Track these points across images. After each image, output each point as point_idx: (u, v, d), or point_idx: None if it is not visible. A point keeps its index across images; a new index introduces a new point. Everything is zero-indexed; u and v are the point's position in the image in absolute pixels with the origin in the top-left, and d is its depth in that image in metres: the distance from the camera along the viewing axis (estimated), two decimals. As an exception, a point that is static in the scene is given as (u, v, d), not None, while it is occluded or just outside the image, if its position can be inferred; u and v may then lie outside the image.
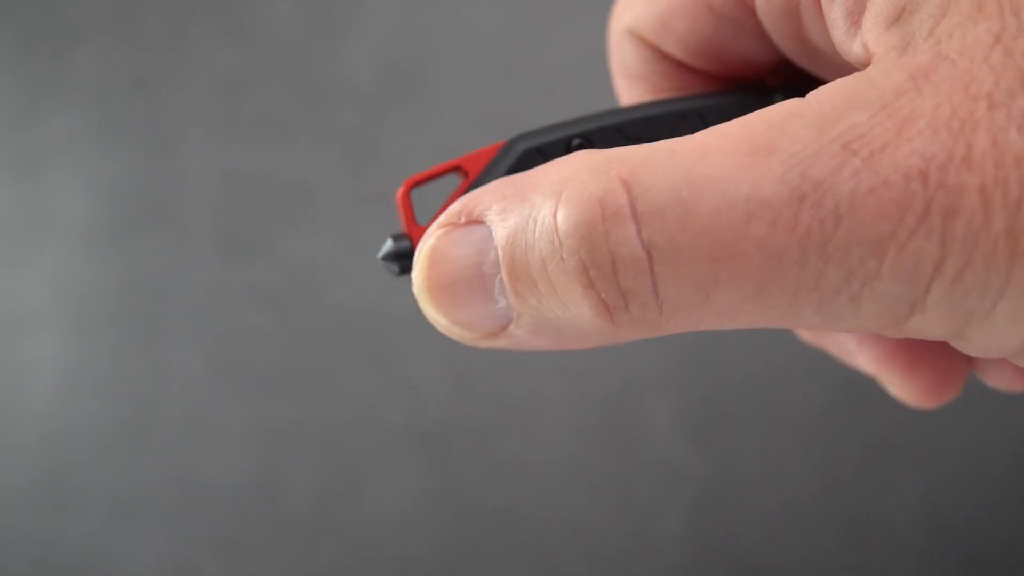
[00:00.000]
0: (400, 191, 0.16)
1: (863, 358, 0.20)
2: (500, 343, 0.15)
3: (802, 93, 0.17)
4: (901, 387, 0.19)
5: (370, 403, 0.45)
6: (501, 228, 0.14)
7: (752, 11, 0.17)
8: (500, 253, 0.14)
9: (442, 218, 0.15)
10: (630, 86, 0.19)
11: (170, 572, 0.45)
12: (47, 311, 0.47)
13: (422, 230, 0.16)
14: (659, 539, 0.44)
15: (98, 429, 0.46)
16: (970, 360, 0.19)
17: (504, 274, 0.14)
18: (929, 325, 0.12)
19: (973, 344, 0.13)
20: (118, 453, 0.45)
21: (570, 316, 0.14)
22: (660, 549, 0.44)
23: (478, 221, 0.14)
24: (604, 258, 0.13)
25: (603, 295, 0.13)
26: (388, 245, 0.16)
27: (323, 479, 0.45)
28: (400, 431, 0.45)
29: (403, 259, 0.16)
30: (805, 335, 0.21)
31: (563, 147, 0.16)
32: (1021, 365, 0.13)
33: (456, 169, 0.16)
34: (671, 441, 0.44)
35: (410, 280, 0.15)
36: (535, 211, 0.13)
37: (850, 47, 0.14)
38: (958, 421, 0.43)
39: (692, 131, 0.15)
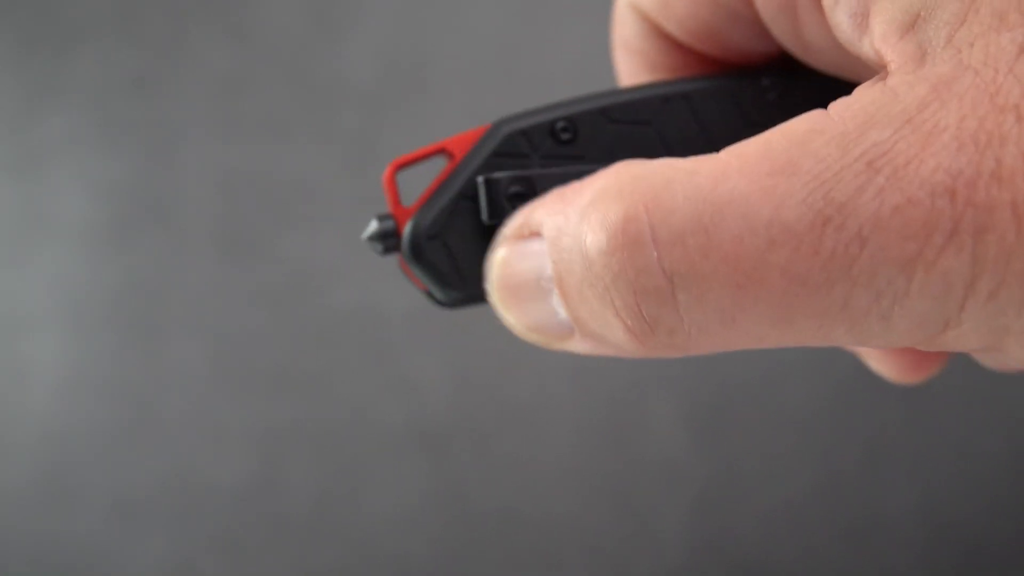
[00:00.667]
0: (386, 173, 0.17)
1: None
2: (570, 348, 0.15)
3: (789, 78, 0.17)
4: (882, 363, 0.19)
5: (370, 403, 0.45)
6: (551, 244, 0.14)
7: (751, 2, 0.16)
8: (551, 269, 0.14)
9: (508, 228, 0.15)
10: (628, 59, 0.19)
11: (170, 572, 0.45)
12: (47, 311, 0.47)
13: (406, 211, 0.16)
14: (660, 538, 0.44)
15: (98, 429, 0.46)
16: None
17: (556, 289, 0.14)
18: (964, 340, 0.12)
19: (1009, 357, 0.12)
20: (118, 453, 0.45)
21: (610, 335, 0.14)
22: (661, 548, 0.44)
23: (536, 234, 0.14)
24: (626, 287, 0.13)
25: (628, 322, 0.13)
26: (373, 226, 0.17)
27: (323, 479, 0.45)
28: (400, 431, 0.45)
29: (387, 239, 0.17)
30: None
31: (547, 130, 0.16)
32: None
33: (441, 151, 0.16)
34: (672, 441, 0.44)
35: (395, 260, 0.15)
36: (572, 231, 0.13)
37: (859, 48, 0.14)
38: (956, 422, 0.43)
39: (677, 114, 0.15)
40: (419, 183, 0.18)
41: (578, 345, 0.15)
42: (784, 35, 0.17)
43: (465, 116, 0.47)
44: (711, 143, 0.16)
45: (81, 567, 0.45)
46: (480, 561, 0.44)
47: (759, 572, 0.43)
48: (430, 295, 0.17)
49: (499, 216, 0.16)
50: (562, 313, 0.14)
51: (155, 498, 0.45)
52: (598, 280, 0.13)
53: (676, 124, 0.16)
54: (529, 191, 0.16)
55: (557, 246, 0.14)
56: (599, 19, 0.47)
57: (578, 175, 0.15)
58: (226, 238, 0.47)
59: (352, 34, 0.48)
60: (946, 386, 0.43)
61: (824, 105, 0.13)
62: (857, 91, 0.12)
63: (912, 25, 0.12)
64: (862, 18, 0.13)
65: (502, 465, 0.44)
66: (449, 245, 0.16)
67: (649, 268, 0.12)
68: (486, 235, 0.16)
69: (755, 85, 0.17)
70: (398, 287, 0.45)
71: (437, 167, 0.17)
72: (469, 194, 0.16)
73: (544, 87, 0.46)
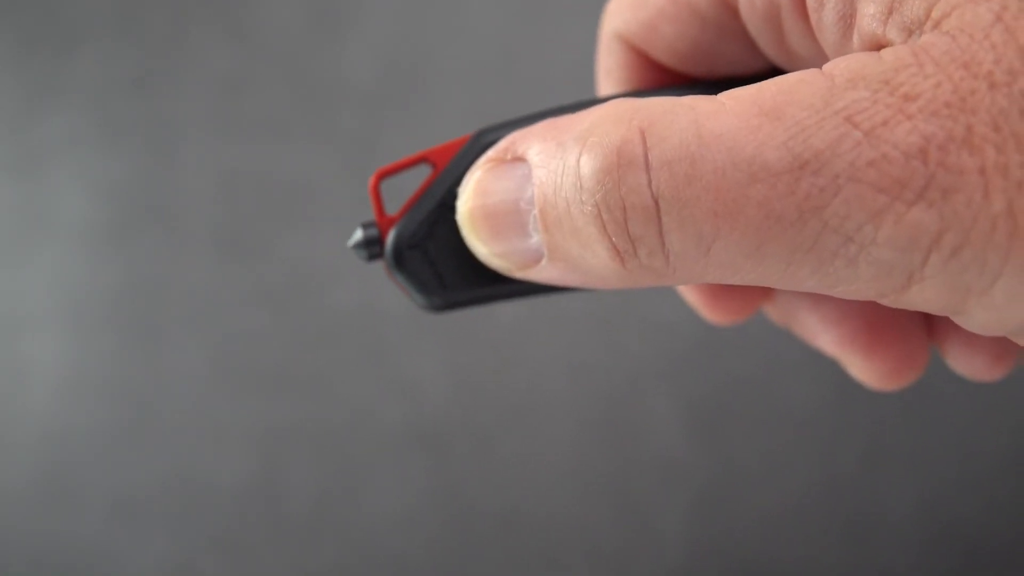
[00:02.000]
0: (371, 181, 0.17)
1: (826, 339, 0.20)
2: (533, 275, 0.16)
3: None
4: (861, 369, 0.20)
5: (370, 403, 0.45)
6: (538, 168, 0.15)
7: (737, 15, 0.17)
8: (535, 191, 0.15)
9: (490, 152, 0.16)
10: (614, 88, 0.19)
11: (170, 572, 0.45)
12: (47, 311, 0.47)
13: (390, 219, 0.17)
14: (659, 538, 0.44)
15: (98, 429, 0.46)
16: (941, 347, 0.20)
17: (536, 212, 0.15)
18: (926, 297, 0.13)
19: (972, 320, 0.13)
20: (118, 453, 0.46)
21: (589, 257, 0.14)
22: (660, 548, 0.44)
23: (521, 159, 0.15)
24: (616, 204, 0.13)
25: (614, 239, 0.14)
26: (358, 234, 0.17)
27: (323, 479, 0.45)
28: (400, 431, 0.45)
29: (372, 247, 0.17)
30: (775, 315, 0.21)
31: None
32: (1021, 343, 0.13)
33: (424, 160, 0.17)
34: (671, 440, 0.44)
35: (380, 267, 0.16)
36: (565, 155, 0.14)
37: (849, 50, 0.14)
38: (957, 421, 0.43)
39: None
40: (406, 188, 0.18)
41: (543, 272, 0.15)
42: (770, 46, 0.17)
43: (465, 116, 0.47)
44: None
45: (81, 567, 0.45)
46: (480, 561, 0.44)
47: (759, 571, 0.43)
48: (414, 299, 0.18)
49: None
50: (535, 238, 0.15)
51: (155, 498, 0.45)
52: (589, 197, 0.13)
53: None
54: None
55: (546, 168, 0.14)
56: (599, 19, 0.47)
57: None
58: (226, 238, 0.47)
59: (352, 34, 0.48)
60: (946, 385, 0.43)
61: None
62: (851, 54, 0.13)
63: (890, 10, 0.13)
64: (849, 19, 0.14)
65: (502, 465, 0.44)
66: (430, 254, 0.17)
67: (639, 188, 0.13)
68: (465, 244, 0.17)
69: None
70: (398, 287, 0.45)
71: (423, 174, 0.17)
72: (450, 204, 0.17)
73: (544, 87, 0.46)
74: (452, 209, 0.17)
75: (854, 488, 0.43)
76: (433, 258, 0.17)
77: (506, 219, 0.15)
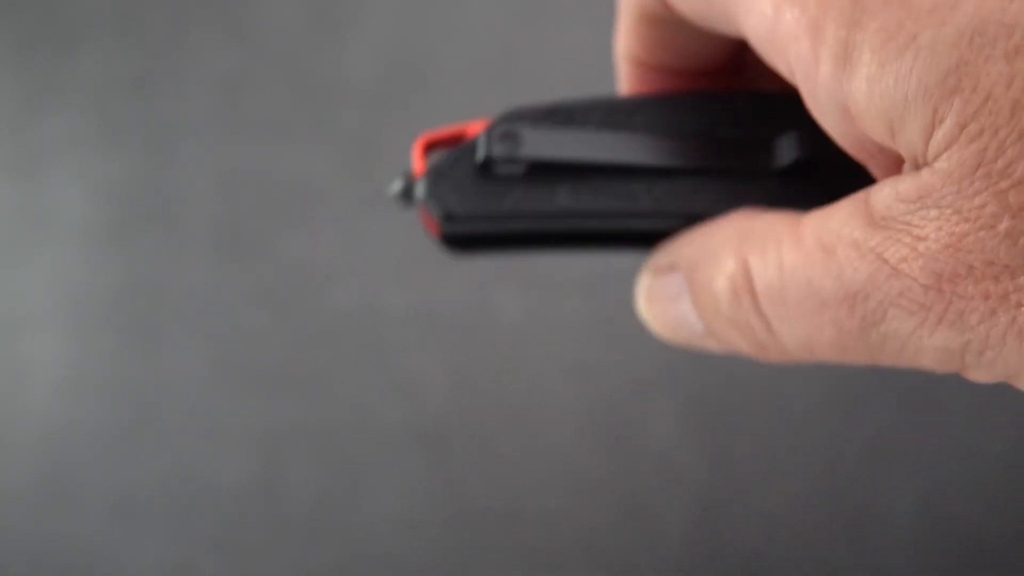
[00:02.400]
0: (417, 145, 0.21)
1: None
2: (705, 346, 0.21)
3: (758, 96, 0.20)
4: None
5: (370, 403, 0.45)
6: (688, 275, 0.19)
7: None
8: (691, 298, 0.20)
9: (652, 263, 0.21)
10: (630, 10, 0.21)
11: (170, 572, 0.45)
12: (47, 311, 0.47)
13: (424, 171, 0.21)
14: (659, 537, 0.44)
15: (98, 429, 0.46)
16: None
17: (694, 311, 0.20)
18: (982, 376, 0.16)
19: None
20: (118, 453, 0.46)
21: (734, 344, 0.19)
22: (660, 547, 0.44)
23: (675, 270, 0.20)
24: (744, 320, 0.18)
25: (747, 342, 0.18)
26: (397, 182, 0.21)
27: (323, 479, 0.45)
28: (400, 431, 0.45)
29: (407, 196, 0.21)
30: None
31: (545, 112, 0.20)
32: None
33: (463, 135, 0.21)
34: (671, 440, 0.44)
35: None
36: (704, 275, 0.19)
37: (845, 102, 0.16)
38: (956, 422, 0.43)
39: (645, 121, 0.20)
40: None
41: (708, 344, 0.20)
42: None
43: (466, 116, 0.47)
44: (682, 139, 0.20)
45: (81, 567, 0.45)
46: (480, 561, 0.44)
47: (759, 571, 0.43)
48: (441, 239, 0.21)
49: (489, 152, 0.20)
50: (697, 324, 0.20)
51: (155, 498, 0.45)
52: (726, 311, 0.18)
53: (654, 126, 0.20)
54: (515, 137, 0.20)
55: (692, 279, 0.19)
56: (599, 19, 0.47)
57: (565, 140, 0.20)
58: (226, 238, 0.47)
59: (352, 34, 0.48)
60: (947, 385, 0.43)
61: (787, 121, 0.19)
62: (886, 190, 0.15)
63: (892, 131, 0.15)
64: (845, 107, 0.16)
65: (502, 465, 0.44)
66: (454, 185, 0.20)
67: (755, 310, 0.18)
68: (481, 174, 0.20)
69: (728, 105, 0.20)
70: (398, 287, 0.45)
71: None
72: (472, 148, 0.20)
73: (544, 87, 0.46)
74: (474, 153, 0.20)
75: (854, 488, 0.43)
76: (457, 188, 0.20)
77: (672, 311, 0.20)
